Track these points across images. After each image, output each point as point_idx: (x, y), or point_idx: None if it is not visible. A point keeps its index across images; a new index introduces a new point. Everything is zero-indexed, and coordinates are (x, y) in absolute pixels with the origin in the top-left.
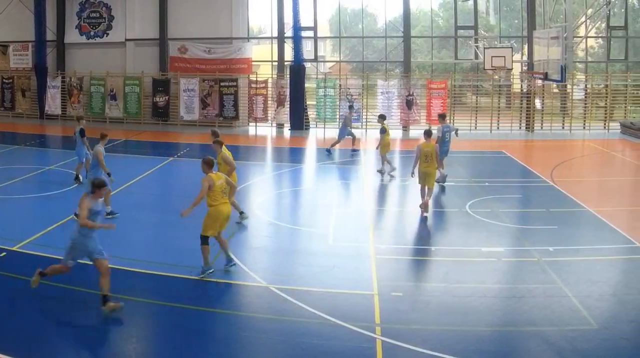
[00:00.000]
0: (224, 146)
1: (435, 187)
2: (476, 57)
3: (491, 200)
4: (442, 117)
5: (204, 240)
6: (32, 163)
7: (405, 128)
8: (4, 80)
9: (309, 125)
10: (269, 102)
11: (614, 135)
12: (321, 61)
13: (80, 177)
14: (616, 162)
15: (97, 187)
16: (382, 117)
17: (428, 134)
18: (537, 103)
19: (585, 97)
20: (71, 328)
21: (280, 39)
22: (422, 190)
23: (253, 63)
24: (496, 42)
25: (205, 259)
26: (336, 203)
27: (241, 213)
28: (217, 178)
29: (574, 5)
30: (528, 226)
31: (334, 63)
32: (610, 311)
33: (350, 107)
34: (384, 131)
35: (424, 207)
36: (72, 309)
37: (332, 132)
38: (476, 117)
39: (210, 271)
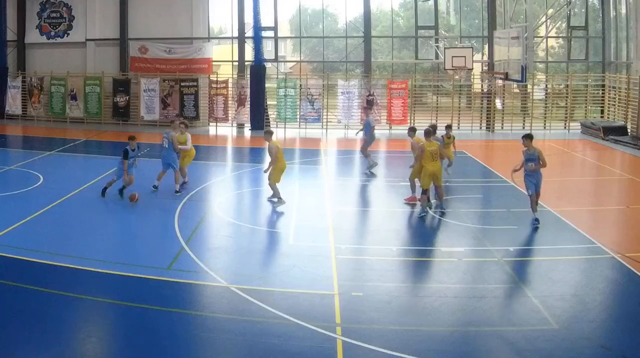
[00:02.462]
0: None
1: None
2: (437, 57)
3: (452, 200)
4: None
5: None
6: None
7: None
8: None
9: (269, 125)
10: (230, 102)
11: (575, 135)
12: (282, 61)
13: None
14: (577, 162)
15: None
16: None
17: (428, 133)
18: (498, 103)
19: (546, 97)
20: (29, 328)
21: (241, 39)
22: (428, 189)
23: (213, 63)
24: (457, 42)
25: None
26: (297, 204)
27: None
28: (429, 145)
29: (534, 5)
30: (489, 226)
31: (295, 63)
32: (570, 311)
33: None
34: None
35: (439, 198)
36: (32, 309)
37: (293, 132)
38: (437, 117)
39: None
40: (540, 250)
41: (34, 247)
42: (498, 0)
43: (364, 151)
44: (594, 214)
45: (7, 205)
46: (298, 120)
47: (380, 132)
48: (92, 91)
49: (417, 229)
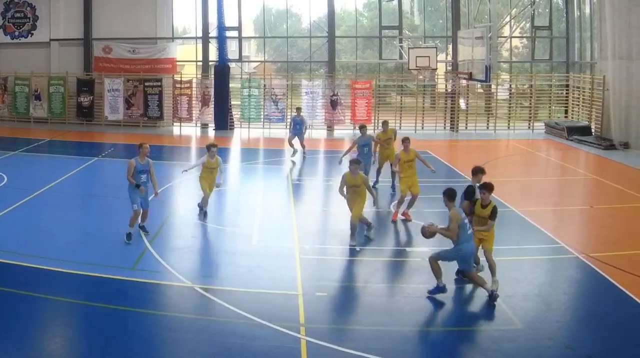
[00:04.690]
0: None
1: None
2: (400, 57)
3: (416, 199)
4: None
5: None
6: None
7: (330, 128)
8: None
9: (233, 126)
10: (194, 102)
11: (539, 135)
12: (246, 61)
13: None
14: (540, 162)
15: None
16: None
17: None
18: (462, 103)
19: (510, 97)
20: None
21: (205, 39)
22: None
23: (177, 63)
24: (420, 42)
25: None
26: (260, 203)
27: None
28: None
29: (498, 5)
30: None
31: (259, 63)
32: (534, 311)
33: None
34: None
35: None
36: None
37: (256, 132)
38: (400, 117)
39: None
40: (505, 250)
41: None
42: (462, 0)
43: (302, 143)
44: (558, 214)
45: None
46: (262, 120)
47: (344, 132)
48: (56, 91)
49: (381, 229)
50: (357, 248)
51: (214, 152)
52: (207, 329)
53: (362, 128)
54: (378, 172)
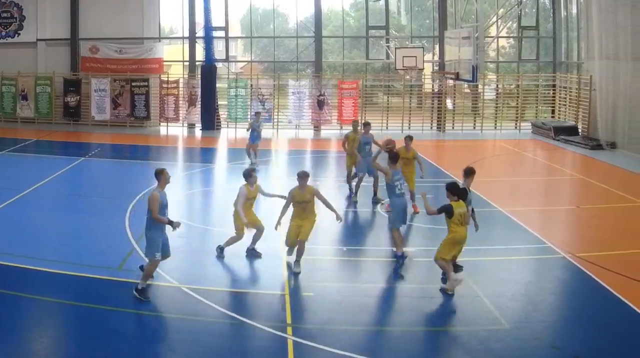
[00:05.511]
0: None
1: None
2: (387, 57)
3: (414, 196)
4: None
5: None
6: None
7: (317, 128)
8: None
9: (220, 126)
10: (180, 102)
11: (525, 135)
12: (232, 61)
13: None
14: (527, 162)
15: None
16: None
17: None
18: (449, 103)
19: (497, 97)
20: None
21: (192, 39)
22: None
23: (164, 63)
24: (407, 42)
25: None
26: None
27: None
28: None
29: (485, 5)
30: (439, 226)
31: (246, 63)
32: (521, 311)
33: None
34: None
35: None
36: None
37: (243, 132)
38: (387, 117)
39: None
40: (491, 250)
41: None
42: (449, 0)
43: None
44: (545, 214)
45: None
46: (249, 120)
47: (331, 132)
48: (43, 91)
49: (367, 229)
50: (344, 249)
51: (255, 178)
52: (194, 329)
53: (366, 125)
54: (350, 179)
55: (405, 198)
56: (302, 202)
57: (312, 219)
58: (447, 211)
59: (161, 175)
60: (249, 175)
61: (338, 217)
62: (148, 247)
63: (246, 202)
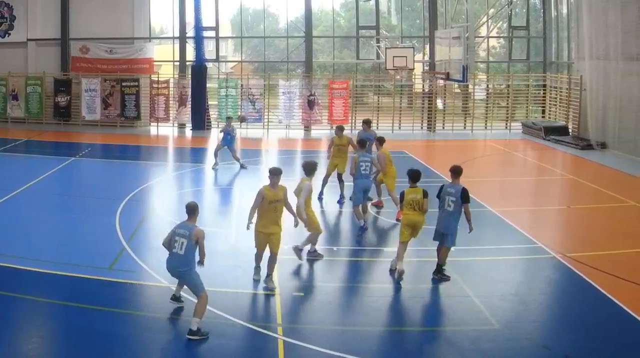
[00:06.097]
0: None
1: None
2: (378, 57)
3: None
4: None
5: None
6: None
7: (307, 128)
8: None
9: (210, 126)
10: (171, 102)
11: (516, 135)
12: (223, 61)
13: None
14: (518, 162)
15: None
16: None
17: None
18: (439, 103)
19: (487, 97)
20: None
21: (182, 39)
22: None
23: (155, 63)
24: (398, 42)
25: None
26: (238, 204)
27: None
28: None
29: (475, 5)
30: (429, 226)
31: (236, 63)
32: (512, 311)
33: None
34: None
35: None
36: None
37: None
38: (378, 117)
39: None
40: (482, 250)
41: None
42: (439, 0)
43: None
44: (535, 214)
45: None
46: (239, 120)
47: (321, 132)
48: (33, 91)
49: (358, 229)
50: (335, 248)
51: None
52: (184, 329)
53: (367, 123)
54: (325, 181)
55: (370, 180)
56: (274, 201)
57: (280, 227)
58: (401, 197)
59: (194, 212)
60: (315, 169)
61: (296, 223)
62: (194, 285)
63: (308, 198)
